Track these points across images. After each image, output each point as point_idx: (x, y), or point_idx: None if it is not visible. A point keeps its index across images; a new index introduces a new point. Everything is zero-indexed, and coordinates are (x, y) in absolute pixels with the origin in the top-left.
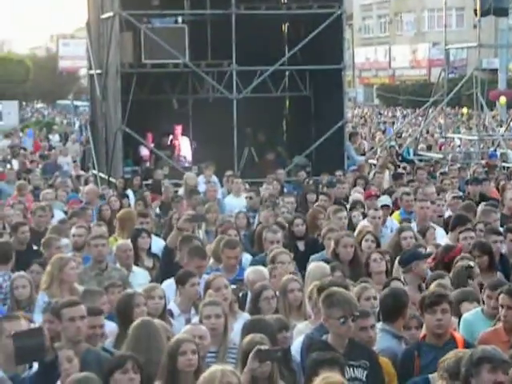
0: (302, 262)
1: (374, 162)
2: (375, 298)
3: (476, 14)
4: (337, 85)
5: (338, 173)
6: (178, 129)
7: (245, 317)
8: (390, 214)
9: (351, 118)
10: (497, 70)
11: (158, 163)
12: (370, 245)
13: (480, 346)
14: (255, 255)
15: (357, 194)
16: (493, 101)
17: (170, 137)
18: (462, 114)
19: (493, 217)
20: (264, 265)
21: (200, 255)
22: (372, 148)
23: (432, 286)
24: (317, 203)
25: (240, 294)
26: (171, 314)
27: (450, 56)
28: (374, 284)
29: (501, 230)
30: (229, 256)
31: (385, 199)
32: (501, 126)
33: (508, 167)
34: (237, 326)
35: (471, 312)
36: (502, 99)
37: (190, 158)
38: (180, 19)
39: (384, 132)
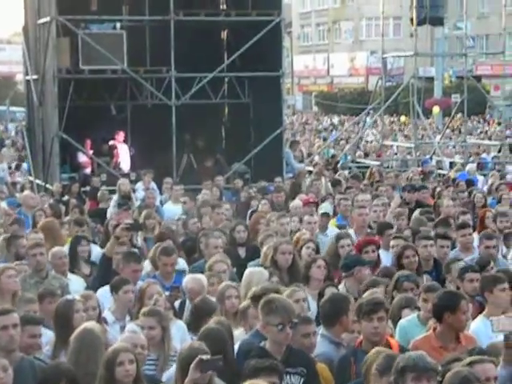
0: (243, 268)
1: (312, 169)
2: (304, 300)
3: (412, 23)
4: (275, 92)
5: (277, 179)
6: (117, 135)
7: (179, 324)
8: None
9: (290, 125)
10: (433, 78)
11: (97, 170)
12: (310, 252)
13: (405, 354)
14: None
15: (297, 201)
16: (429, 109)
17: (109, 143)
18: (400, 122)
19: (424, 225)
20: (203, 271)
21: (135, 259)
22: (310, 155)
23: (367, 293)
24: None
25: (178, 301)
26: (106, 322)
27: (388, 64)
28: (311, 290)
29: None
30: (165, 263)
31: (325, 207)
32: (438, 134)
33: (443, 174)
34: (171, 333)
35: (407, 318)
36: (435, 109)
37: (128, 164)
38: (118, 25)
39: (323, 139)
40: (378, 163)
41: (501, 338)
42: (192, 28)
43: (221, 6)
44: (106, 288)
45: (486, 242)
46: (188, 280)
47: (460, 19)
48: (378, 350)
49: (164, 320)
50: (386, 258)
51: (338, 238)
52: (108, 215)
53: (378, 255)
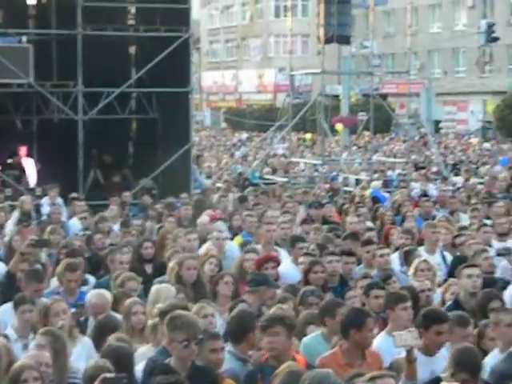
0: (149, 285)
1: (220, 185)
2: (213, 316)
3: (320, 42)
4: (183, 108)
5: (183, 195)
6: (23, 149)
7: (85, 341)
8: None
9: (198, 141)
10: (340, 96)
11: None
12: (213, 268)
13: (311, 372)
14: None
15: (204, 217)
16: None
17: (15, 157)
18: (305, 140)
19: (331, 241)
20: (108, 287)
21: (37, 279)
22: (219, 171)
23: (272, 309)
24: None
25: (82, 318)
26: (8, 339)
27: (296, 81)
28: (219, 306)
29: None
30: (69, 279)
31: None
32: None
33: (350, 191)
34: (76, 351)
35: (311, 335)
36: (339, 126)
37: (34, 179)
38: (24, 38)
39: (231, 156)
40: (285, 180)
41: (403, 353)
42: (100, 43)
43: (129, 21)
44: (10, 305)
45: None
46: (91, 295)
47: (366, 38)
48: (289, 364)
49: (57, 342)
50: (295, 272)
51: (245, 252)
52: (7, 231)
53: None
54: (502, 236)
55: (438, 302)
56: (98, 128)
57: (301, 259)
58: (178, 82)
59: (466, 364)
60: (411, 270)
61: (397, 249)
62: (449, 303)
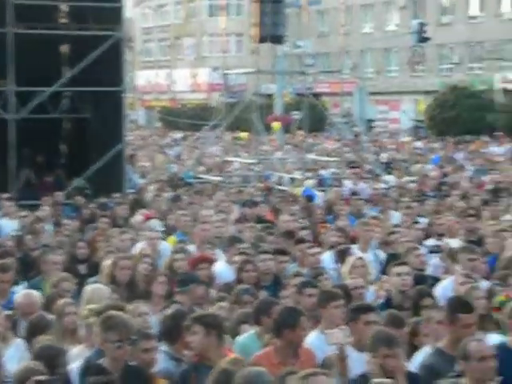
0: (83, 285)
1: (154, 184)
2: (148, 315)
3: (254, 41)
4: (117, 107)
5: (115, 195)
6: None
7: (18, 343)
8: None
9: (132, 140)
10: (273, 95)
11: None
12: (146, 267)
13: (244, 370)
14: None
15: (138, 216)
16: (270, 125)
17: None
18: (240, 138)
19: (264, 240)
20: (40, 288)
21: None
22: (153, 170)
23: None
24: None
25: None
26: None
27: (230, 81)
28: (153, 306)
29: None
30: (1, 280)
31: (156, 224)
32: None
33: (284, 190)
34: (9, 353)
35: (245, 335)
36: (276, 124)
37: None
38: None
39: (166, 155)
40: (220, 179)
41: (335, 350)
42: (31, 41)
43: (61, 20)
44: None
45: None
46: (18, 295)
47: (300, 38)
48: (233, 359)
49: None
50: (230, 272)
51: (175, 252)
52: None
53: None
54: (440, 235)
55: (371, 299)
56: (30, 128)
57: (235, 258)
58: (111, 81)
59: (383, 339)
60: (346, 268)
61: (330, 247)
62: (380, 301)
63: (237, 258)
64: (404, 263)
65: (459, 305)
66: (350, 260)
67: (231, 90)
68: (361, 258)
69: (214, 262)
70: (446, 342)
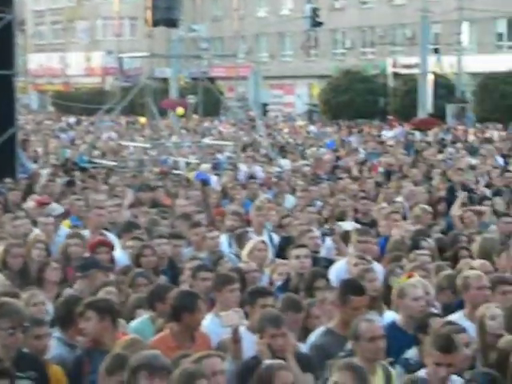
0: None
1: (47, 169)
2: (43, 304)
3: (148, 24)
4: (7, 91)
5: (7, 180)
6: None
7: None
8: None
9: (24, 124)
10: (168, 79)
11: None
12: (39, 253)
13: (138, 353)
14: None
15: (30, 202)
16: (165, 109)
17: None
18: (134, 123)
19: (158, 224)
20: None
21: None
22: (46, 155)
23: (100, 293)
24: None
25: None
26: None
27: (124, 65)
28: (46, 292)
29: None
30: None
31: (56, 207)
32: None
33: (180, 174)
34: None
35: (139, 320)
36: (180, 110)
37: None
38: None
39: (59, 139)
40: (114, 163)
41: (229, 333)
42: None
43: None
44: None
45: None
46: None
47: (195, 22)
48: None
49: None
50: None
51: (69, 236)
52: None
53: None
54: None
55: (265, 282)
56: None
57: (129, 243)
58: (2, 65)
59: (270, 319)
60: (246, 251)
61: (226, 231)
62: (279, 283)
63: (130, 243)
64: (303, 246)
65: (350, 287)
66: (252, 242)
67: (126, 74)
68: (263, 242)
69: (112, 247)
70: (336, 322)
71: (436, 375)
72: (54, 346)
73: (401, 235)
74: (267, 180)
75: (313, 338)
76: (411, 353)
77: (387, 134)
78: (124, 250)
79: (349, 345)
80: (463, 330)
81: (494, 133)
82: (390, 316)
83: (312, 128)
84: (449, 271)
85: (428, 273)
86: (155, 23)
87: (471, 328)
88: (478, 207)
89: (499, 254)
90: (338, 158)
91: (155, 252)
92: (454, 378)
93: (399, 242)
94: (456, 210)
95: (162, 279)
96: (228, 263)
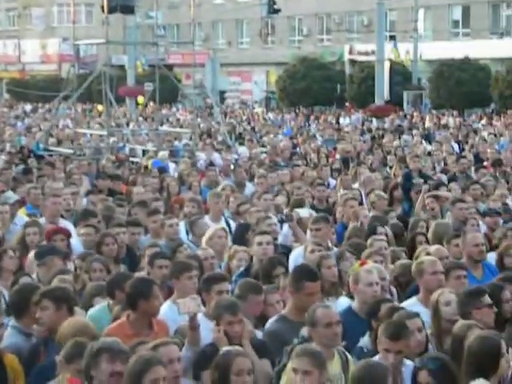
0: None
1: (3, 157)
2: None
3: (103, 11)
4: None
5: None
6: None
7: None
8: None
9: None
10: (125, 66)
11: None
12: None
13: (98, 340)
14: None
15: None
16: (122, 96)
17: None
18: (91, 110)
19: (113, 211)
20: None
21: None
22: (1, 143)
23: (55, 281)
24: None
25: None
26: None
27: (81, 52)
28: (3, 281)
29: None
30: None
31: (10, 195)
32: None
33: (137, 162)
34: None
35: (96, 307)
36: (141, 98)
37: None
38: None
39: (15, 127)
40: (71, 151)
41: (187, 320)
42: None
43: None
44: None
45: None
46: None
47: (151, 8)
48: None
49: None
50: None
51: (25, 226)
52: None
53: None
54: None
55: (223, 269)
56: None
57: (82, 231)
58: None
59: (227, 306)
60: (206, 238)
61: (184, 218)
62: (241, 269)
63: (83, 231)
64: (265, 232)
65: (304, 273)
66: (212, 229)
67: (82, 61)
68: (222, 229)
69: (69, 235)
70: (290, 308)
71: (386, 361)
72: (9, 334)
73: (360, 221)
74: (225, 167)
75: (268, 324)
76: (366, 340)
77: (344, 121)
78: (79, 237)
79: (303, 331)
80: (416, 316)
81: (450, 119)
82: (343, 302)
83: (270, 115)
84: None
85: (385, 258)
86: (111, 10)
87: (425, 313)
88: (442, 192)
89: (450, 239)
90: (295, 145)
91: (116, 240)
92: (408, 362)
93: (358, 228)
94: (420, 200)
95: (123, 268)
96: (186, 250)
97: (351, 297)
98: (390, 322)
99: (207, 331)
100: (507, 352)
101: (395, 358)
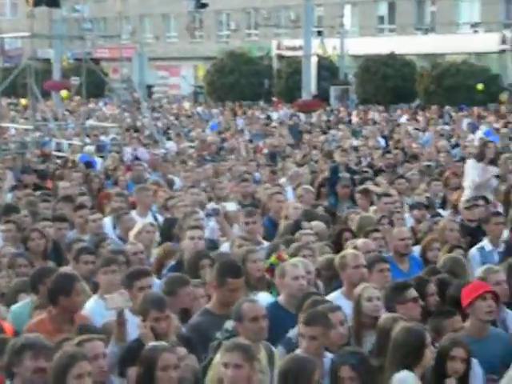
0: None
1: None
2: None
3: (29, 4)
4: None
5: None
6: None
7: None
8: None
9: None
10: (51, 60)
11: None
12: None
13: (21, 336)
14: None
15: None
16: (48, 90)
17: None
18: (16, 104)
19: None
20: None
21: None
22: None
23: None
24: None
25: None
26: None
27: (6, 45)
28: None
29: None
30: None
31: None
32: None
33: (63, 156)
34: None
35: (20, 303)
36: (64, 93)
37: None
38: None
39: None
40: None
41: (114, 315)
42: None
43: None
44: None
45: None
46: None
47: (78, 2)
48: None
49: None
50: None
51: None
52: None
53: None
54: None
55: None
56: None
57: (2, 227)
58: None
59: (153, 301)
60: (133, 232)
61: (111, 213)
62: (172, 263)
63: (3, 227)
64: (197, 227)
65: (228, 268)
66: (138, 225)
67: (7, 55)
68: (151, 224)
69: None
70: (214, 302)
71: (301, 346)
72: None
73: (293, 219)
74: (152, 162)
75: (192, 318)
76: (294, 332)
77: (272, 116)
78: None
79: (226, 324)
80: (338, 309)
81: (376, 114)
82: (264, 297)
83: (197, 110)
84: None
85: (313, 252)
86: (36, 3)
87: (349, 306)
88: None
89: (369, 233)
90: (223, 140)
91: (43, 235)
92: (330, 355)
93: (291, 224)
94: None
95: (51, 263)
96: (110, 246)
97: None
98: (305, 308)
99: (134, 326)
100: (432, 344)
101: (310, 345)
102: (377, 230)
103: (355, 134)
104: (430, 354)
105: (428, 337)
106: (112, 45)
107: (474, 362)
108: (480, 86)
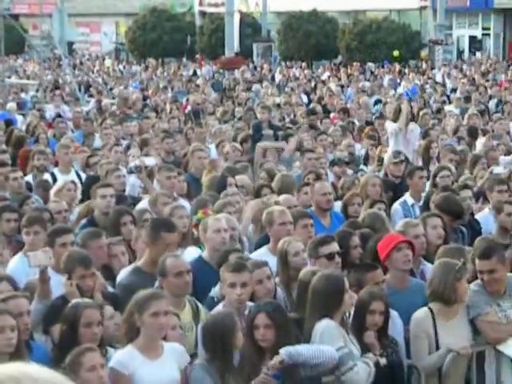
0: None
1: None
2: None
3: None
4: None
5: None
6: None
7: None
8: None
9: None
10: None
11: None
12: None
13: None
14: None
15: None
16: None
17: None
18: None
19: None
20: None
21: None
22: None
23: None
24: None
25: None
26: None
27: None
28: None
29: None
30: None
31: None
32: None
33: None
34: None
35: None
36: None
37: None
38: None
39: None
40: None
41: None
42: None
43: None
44: None
45: None
46: None
47: None
48: None
49: None
50: None
51: None
52: None
53: None
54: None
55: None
56: None
57: None
58: None
59: (79, 259)
60: (54, 190)
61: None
62: (84, 221)
63: None
64: (108, 185)
65: (161, 224)
66: (60, 183)
67: None
68: (72, 182)
69: None
70: (144, 260)
71: (230, 297)
72: None
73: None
74: (74, 119)
75: (120, 276)
76: (217, 290)
77: (197, 72)
78: None
79: (157, 283)
80: (264, 264)
81: (298, 71)
82: (191, 251)
83: (119, 66)
84: None
85: (237, 210)
86: None
87: (275, 262)
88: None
89: (301, 188)
90: (145, 97)
91: None
92: (250, 304)
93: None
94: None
95: None
96: (34, 204)
97: None
98: (231, 258)
99: (56, 284)
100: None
101: (240, 291)
102: (307, 185)
103: (278, 90)
104: (349, 300)
105: (346, 282)
106: (32, 0)
107: (394, 314)
108: (396, 53)
